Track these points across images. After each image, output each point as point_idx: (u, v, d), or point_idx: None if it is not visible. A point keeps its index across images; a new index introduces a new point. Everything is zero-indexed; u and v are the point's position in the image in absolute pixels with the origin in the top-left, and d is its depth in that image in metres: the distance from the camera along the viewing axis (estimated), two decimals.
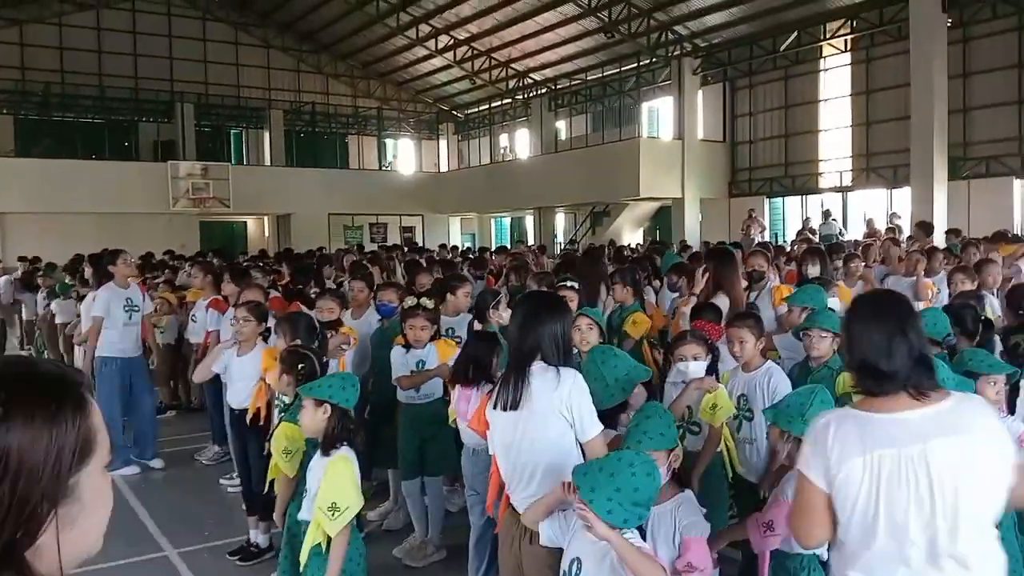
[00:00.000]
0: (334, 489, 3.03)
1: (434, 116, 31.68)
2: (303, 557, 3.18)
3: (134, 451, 7.26)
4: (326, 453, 3.16)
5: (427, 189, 28.78)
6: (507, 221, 30.92)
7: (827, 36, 19.12)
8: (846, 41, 19.22)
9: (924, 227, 12.39)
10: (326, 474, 3.08)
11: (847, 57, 19.75)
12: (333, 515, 2.99)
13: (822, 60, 20.22)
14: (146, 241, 19.19)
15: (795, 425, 2.93)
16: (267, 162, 28.07)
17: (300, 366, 3.91)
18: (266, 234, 28.10)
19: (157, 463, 7.25)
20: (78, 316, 9.50)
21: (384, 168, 30.02)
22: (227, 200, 24.34)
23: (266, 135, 28.62)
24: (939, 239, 14.52)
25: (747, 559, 3.47)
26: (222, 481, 6.65)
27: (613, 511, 2.31)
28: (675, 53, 21.62)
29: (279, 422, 3.99)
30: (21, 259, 15.14)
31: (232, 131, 29.40)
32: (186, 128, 26.15)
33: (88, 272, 8.36)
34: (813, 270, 6.83)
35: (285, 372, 3.94)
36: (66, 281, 12.31)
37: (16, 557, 0.91)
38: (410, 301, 4.99)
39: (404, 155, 31.98)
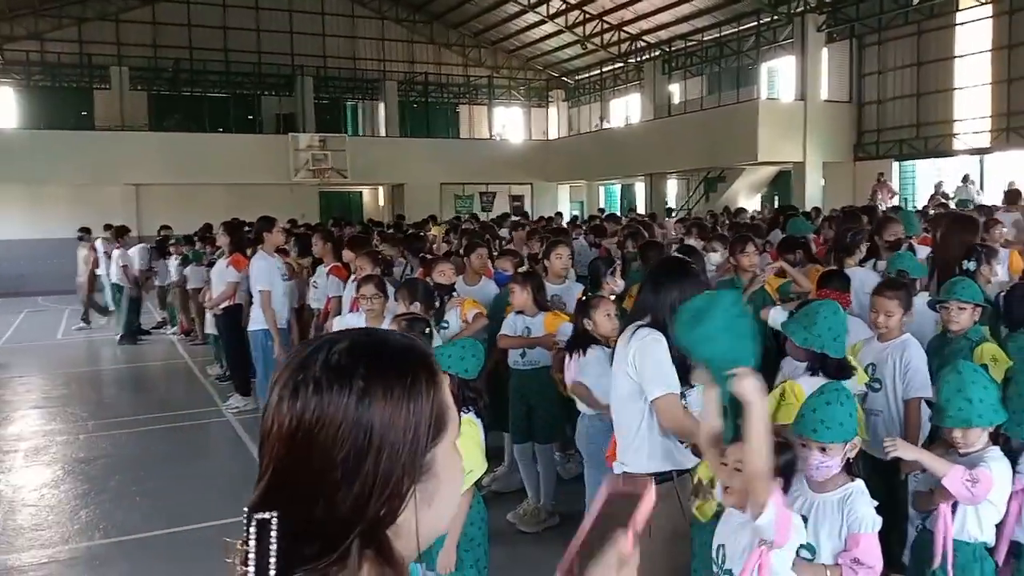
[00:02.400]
0: (464, 452, 3.05)
1: (544, 83, 31.48)
2: None
3: None
4: None
5: (536, 157, 28.68)
6: (616, 189, 30.52)
7: None
8: None
9: None
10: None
11: (987, 9, 18.31)
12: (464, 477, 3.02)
13: (958, 13, 18.82)
14: (269, 211, 19.85)
15: (996, 415, 2.74)
16: (382, 133, 28.64)
17: (407, 321, 3.99)
18: (380, 203, 28.75)
19: None
20: (207, 282, 10.05)
21: (494, 137, 30.05)
22: (345, 171, 25.00)
23: (380, 106, 29.15)
24: None
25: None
26: None
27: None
28: (798, 10, 20.58)
29: None
30: (164, 227, 16.00)
31: (348, 103, 30.10)
32: (305, 101, 26.93)
33: (222, 239, 8.73)
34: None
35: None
36: (197, 249, 12.99)
37: (378, 536, 0.90)
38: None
39: (513, 123, 31.95)
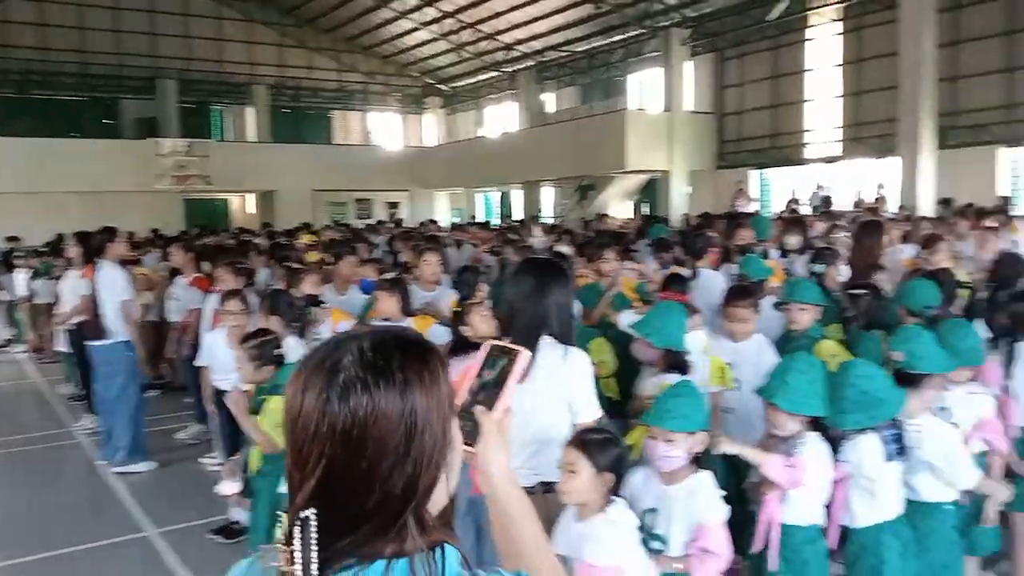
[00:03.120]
0: None
1: (420, 90, 31.36)
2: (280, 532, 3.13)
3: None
4: None
5: (414, 164, 28.53)
6: (495, 196, 30.75)
7: (816, 5, 18.94)
8: (836, 10, 19.04)
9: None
10: None
11: (836, 27, 19.59)
12: None
13: (809, 30, 20.05)
14: (130, 220, 18.95)
15: (810, 406, 2.85)
16: (251, 138, 27.76)
17: (254, 345, 3.86)
18: (249, 211, 27.86)
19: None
20: (58, 296, 9.41)
21: (369, 144, 29.66)
22: (210, 178, 24.05)
23: (249, 111, 28.27)
24: (928, 209, 14.51)
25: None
26: (202, 460, 6.59)
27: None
28: (663, 24, 21.40)
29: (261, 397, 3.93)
30: (11, 239, 14.89)
31: (215, 107, 29.04)
32: (168, 105, 25.78)
33: (74, 251, 8.18)
34: (793, 241, 6.79)
35: (251, 361, 3.87)
36: (47, 262, 12.17)
37: (424, 507, 1.01)
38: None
39: (390, 130, 31.68)
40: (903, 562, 2.92)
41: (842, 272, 5.42)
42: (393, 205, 28.79)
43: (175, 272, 8.22)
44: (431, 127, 31.84)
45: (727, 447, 2.85)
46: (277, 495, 3.59)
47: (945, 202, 13.45)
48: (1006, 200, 13.63)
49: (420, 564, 0.97)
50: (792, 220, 7.22)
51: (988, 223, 8.32)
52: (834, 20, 19.45)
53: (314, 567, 0.93)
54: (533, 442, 2.85)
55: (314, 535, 0.94)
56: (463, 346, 4.08)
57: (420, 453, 0.99)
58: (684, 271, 5.45)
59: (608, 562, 2.36)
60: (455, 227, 13.66)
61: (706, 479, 2.67)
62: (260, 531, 3.70)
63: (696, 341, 3.87)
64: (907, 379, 2.99)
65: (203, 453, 6.69)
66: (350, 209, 27.89)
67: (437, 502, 1.04)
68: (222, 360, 5.09)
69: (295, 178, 25.16)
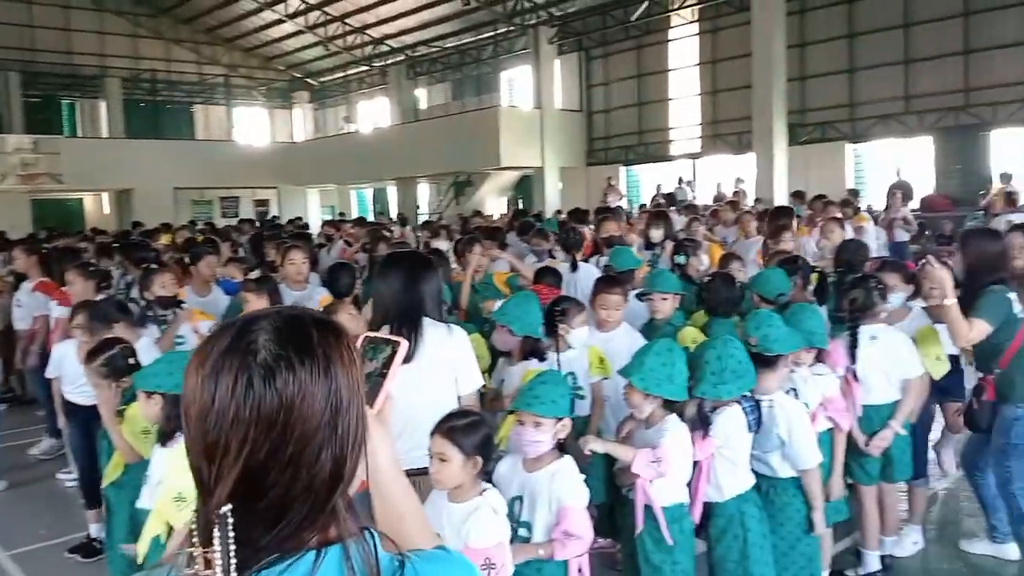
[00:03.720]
0: (179, 479, 2.85)
1: (287, 84, 30.49)
2: (142, 548, 2.99)
3: None
4: (164, 443, 2.96)
5: (282, 160, 27.69)
6: (368, 193, 30.32)
7: (675, 6, 19.69)
8: (693, 12, 19.85)
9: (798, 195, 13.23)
10: (168, 464, 2.89)
11: (694, 27, 20.42)
12: (180, 506, 2.83)
13: (671, 30, 20.82)
14: None
15: (664, 388, 2.96)
16: (104, 134, 26.21)
17: (128, 361, 3.66)
18: (105, 211, 26.32)
19: None
20: None
21: (233, 140, 28.53)
22: (60, 176, 22.55)
23: (102, 105, 26.68)
24: (782, 202, 15.37)
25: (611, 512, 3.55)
26: (59, 475, 6.18)
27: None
28: (531, 22, 21.69)
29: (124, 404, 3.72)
30: None
31: (64, 101, 27.25)
32: (12, 99, 23.99)
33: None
34: (657, 233, 7.04)
35: (99, 375, 3.64)
36: None
37: (346, 494, 0.97)
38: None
39: (256, 125, 30.66)
40: (762, 528, 3.13)
41: (703, 262, 5.66)
42: (261, 203, 27.89)
43: (20, 277, 7.66)
44: (299, 122, 31.02)
45: (596, 446, 2.93)
46: (136, 508, 3.43)
47: (798, 195, 14.25)
48: (854, 193, 14.59)
49: (356, 549, 0.93)
50: (656, 214, 7.46)
51: (834, 214, 8.89)
52: (692, 21, 20.27)
53: (232, 569, 0.87)
54: (428, 420, 2.88)
55: (231, 533, 0.87)
56: None
57: (346, 432, 0.95)
58: (560, 264, 5.55)
59: (490, 543, 2.39)
60: (327, 223, 13.39)
61: (568, 463, 2.74)
62: (118, 547, 3.51)
63: (581, 335, 3.95)
64: (761, 361, 3.17)
65: (58, 469, 6.28)
66: (215, 208, 26.80)
67: (354, 485, 1.01)
68: (73, 371, 4.79)
69: (154, 175, 23.94)
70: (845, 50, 17.72)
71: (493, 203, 23.77)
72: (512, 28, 22.31)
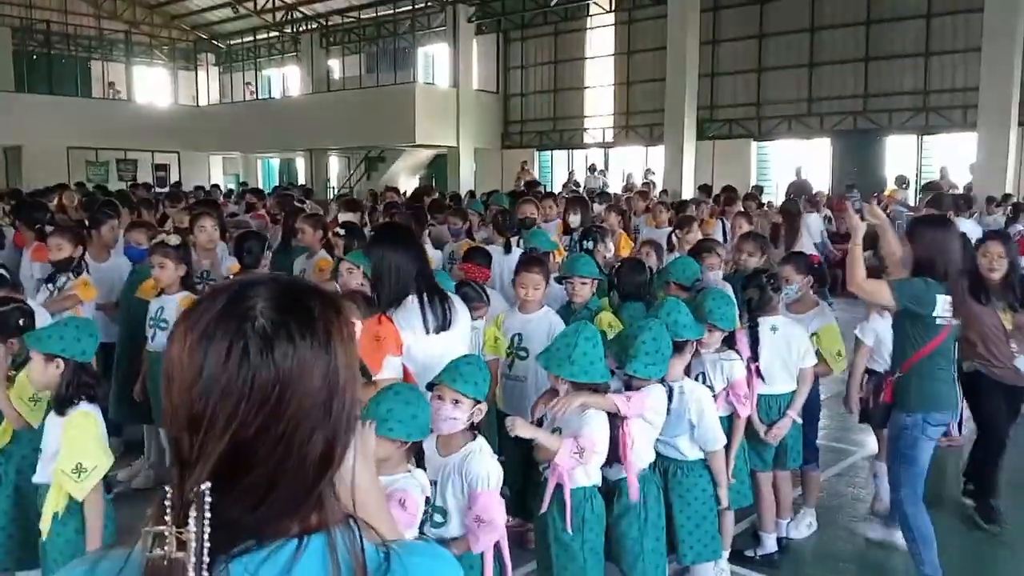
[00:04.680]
0: (77, 449, 2.73)
1: (191, 45, 29.24)
2: (44, 525, 2.84)
3: None
4: (61, 412, 2.81)
5: (184, 124, 26.51)
6: (275, 163, 29.47)
7: None
8: (611, 1, 20.06)
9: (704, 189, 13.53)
10: (65, 433, 2.75)
11: (611, 17, 20.65)
12: (79, 476, 2.69)
13: (589, 19, 20.99)
14: None
15: (564, 369, 2.99)
16: None
17: (18, 321, 3.45)
18: None
19: None
20: None
21: (118, 96, 26.98)
22: None
23: None
24: (688, 194, 15.79)
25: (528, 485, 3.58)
26: None
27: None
28: None
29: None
30: None
31: None
32: None
33: None
34: (575, 219, 7.14)
35: (3, 338, 3.44)
36: None
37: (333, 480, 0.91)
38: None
39: (158, 85, 29.28)
40: (659, 507, 3.27)
41: (610, 248, 5.77)
42: (161, 167, 26.67)
43: None
44: (204, 86, 29.79)
45: (521, 431, 2.94)
46: (22, 481, 3.25)
47: (704, 188, 14.67)
48: (758, 189, 15.13)
49: (341, 538, 0.87)
50: (574, 200, 7.54)
51: (739, 208, 9.18)
52: (609, 11, 20.48)
53: (206, 552, 0.80)
54: None
55: (207, 514, 0.80)
56: None
57: (340, 414, 0.89)
58: (491, 248, 5.53)
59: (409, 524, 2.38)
60: (249, 191, 12.96)
61: (481, 445, 2.74)
62: (2, 521, 3.32)
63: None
64: (673, 345, 3.26)
65: None
66: (111, 170, 25.47)
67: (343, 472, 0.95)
68: None
69: (46, 133, 22.56)
70: (754, 50, 18.27)
71: (405, 180, 23.51)
72: (430, 3, 22.02)
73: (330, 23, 24.90)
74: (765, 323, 3.97)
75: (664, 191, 15.87)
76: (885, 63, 16.57)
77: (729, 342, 3.80)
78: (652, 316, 3.43)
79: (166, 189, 17.67)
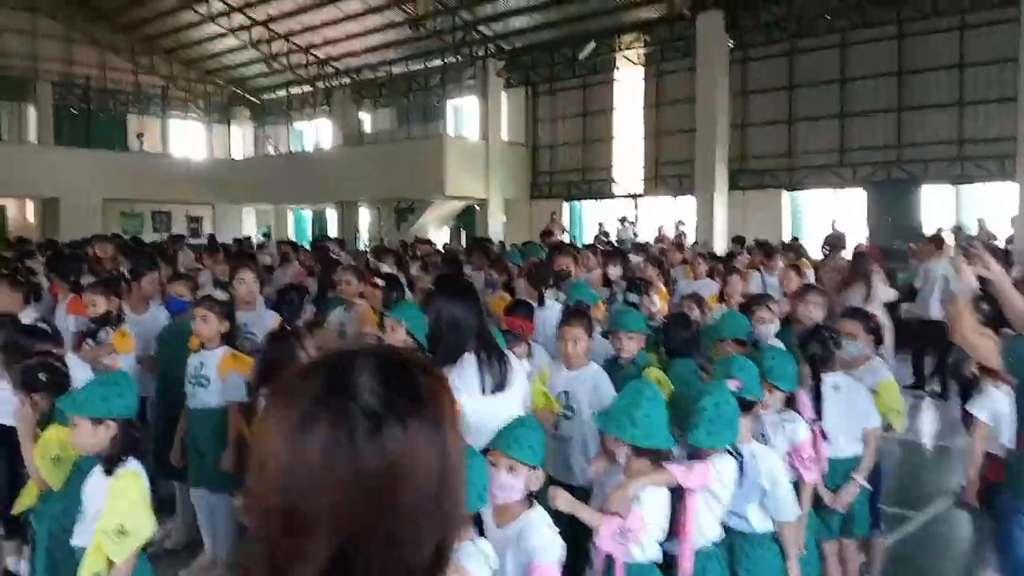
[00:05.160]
0: (122, 510, 2.62)
1: (226, 99, 29.88)
2: None
3: None
4: (110, 471, 2.70)
5: (218, 177, 27.01)
6: (307, 214, 29.79)
7: (621, 48, 20.03)
8: (639, 54, 20.22)
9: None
10: (112, 493, 2.63)
11: (640, 71, 20.80)
12: (119, 539, 2.58)
13: (616, 71, 21.16)
14: None
15: (626, 431, 2.83)
16: (32, 139, 25.17)
17: (43, 376, 3.36)
18: (29, 220, 25.19)
19: None
20: None
21: (136, 149, 27.51)
22: None
23: (31, 110, 25.65)
24: (721, 246, 15.65)
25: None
26: None
27: None
28: (479, 54, 21.79)
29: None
30: None
31: None
32: None
33: None
34: (615, 271, 7.03)
35: (31, 391, 3.36)
36: None
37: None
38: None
39: (193, 139, 29.88)
40: None
41: (655, 302, 5.62)
42: (195, 219, 27.10)
43: None
44: (238, 139, 30.36)
45: (562, 505, 2.79)
46: (54, 544, 3.14)
47: (738, 240, 14.51)
48: (796, 240, 14.97)
49: None
50: (613, 252, 7.44)
51: (791, 262, 8.96)
52: (637, 64, 20.64)
53: None
54: None
55: None
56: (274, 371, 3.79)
57: (452, 510, 0.78)
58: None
59: None
60: (283, 243, 13.09)
61: (539, 515, 2.58)
62: None
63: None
64: (741, 405, 3.09)
65: None
66: (146, 222, 25.90)
67: None
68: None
69: (83, 185, 23.06)
70: (785, 100, 18.25)
71: (435, 231, 23.60)
72: (460, 58, 22.35)
73: (361, 77, 25.35)
74: (827, 381, 3.79)
75: (696, 242, 15.74)
76: (919, 113, 16.45)
77: (789, 402, 3.63)
78: (692, 374, 3.27)
79: (200, 240, 17.84)
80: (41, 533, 3.33)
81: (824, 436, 3.69)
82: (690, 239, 16.62)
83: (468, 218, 23.71)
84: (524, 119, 23.05)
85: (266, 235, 23.00)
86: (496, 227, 21.44)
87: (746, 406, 3.12)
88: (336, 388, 0.75)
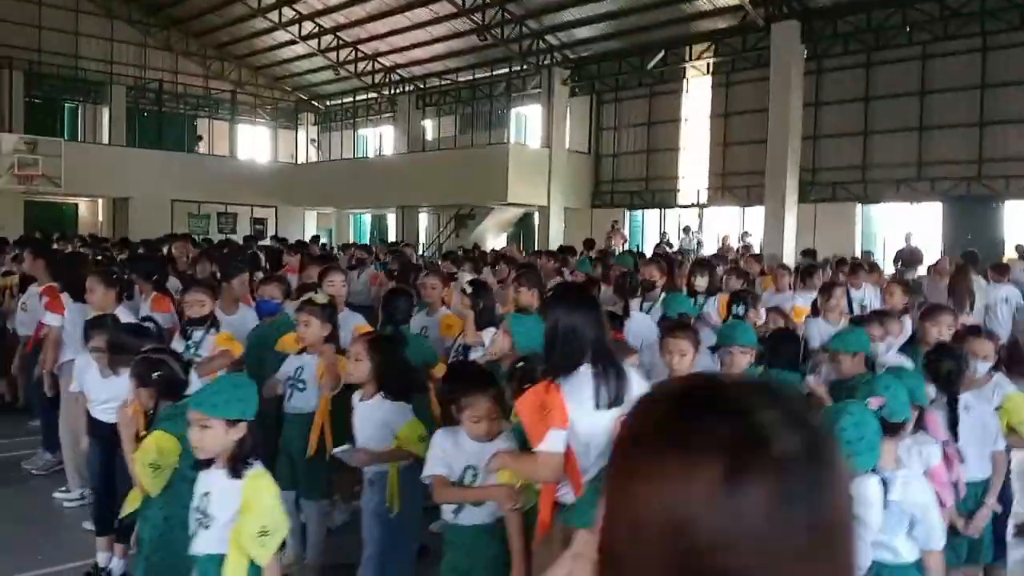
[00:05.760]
0: (263, 511, 2.60)
1: (293, 105, 30.37)
2: None
3: None
4: (239, 475, 2.64)
5: (282, 180, 27.46)
6: (367, 218, 30.07)
7: (691, 58, 19.76)
8: (708, 64, 19.93)
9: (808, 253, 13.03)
10: (247, 496, 2.60)
11: (709, 80, 20.50)
12: (264, 540, 2.55)
13: (685, 81, 20.89)
14: None
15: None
16: (105, 140, 25.89)
17: (156, 374, 3.34)
18: (99, 218, 25.90)
19: None
20: None
21: (233, 156, 28.19)
22: (58, 179, 22.17)
23: (105, 111, 26.40)
24: (790, 258, 15.28)
25: None
26: (56, 495, 5.77)
27: None
28: (545, 62, 21.72)
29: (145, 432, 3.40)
30: None
31: (67, 104, 26.87)
32: (14, 98, 23.67)
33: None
34: (701, 282, 6.82)
35: (140, 386, 3.35)
36: None
37: None
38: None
39: (259, 143, 30.44)
40: None
41: (761, 315, 5.43)
42: (259, 221, 27.54)
43: (26, 279, 7.31)
44: (303, 143, 30.83)
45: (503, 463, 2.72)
46: (152, 551, 3.11)
47: (809, 253, 14.16)
48: (870, 255, 14.54)
49: None
50: (700, 262, 7.24)
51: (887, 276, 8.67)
52: (706, 74, 20.35)
53: None
54: None
55: None
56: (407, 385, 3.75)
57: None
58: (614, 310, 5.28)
59: None
60: (357, 247, 13.14)
61: None
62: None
63: None
64: (884, 428, 2.90)
65: (54, 487, 5.87)
66: (212, 222, 26.41)
67: None
68: (96, 386, 4.43)
69: (152, 185, 23.64)
70: (860, 112, 17.79)
71: (493, 238, 23.59)
72: (526, 67, 22.32)
73: (427, 85, 25.50)
74: (960, 402, 3.58)
75: (759, 254, 15.37)
76: (1000, 128, 15.87)
77: (920, 422, 3.42)
78: (860, 394, 3.08)
79: (267, 241, 18.06)
80: (144, 540, 3.30)
81: (961, 459, 3.47)
82: (755, 251, 16.26)
83: (527, 225, 23.65)
84: (588, 127, 22.91)
85: (382, 241, 22.89)
86: (556, 234, 21.30)
87: (889, 428, 2.93)
88: (749, 433, 0.63)
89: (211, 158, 27.25)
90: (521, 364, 3.40)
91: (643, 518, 0.63)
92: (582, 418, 2.90)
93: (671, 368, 3.96)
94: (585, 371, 2.94)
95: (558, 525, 2.96)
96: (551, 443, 2.83)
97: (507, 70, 22.94)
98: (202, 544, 2.64)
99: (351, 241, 24.58)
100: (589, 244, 15.78)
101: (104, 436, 4.29)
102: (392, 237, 25.08)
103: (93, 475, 4.61)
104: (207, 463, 2.70)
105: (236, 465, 2.63)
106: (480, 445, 3.15)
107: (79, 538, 4.91)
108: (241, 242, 15.76)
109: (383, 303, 4.96)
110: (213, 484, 2.65)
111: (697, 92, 20.99)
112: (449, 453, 3.21)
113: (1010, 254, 14.67)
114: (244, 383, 2.86)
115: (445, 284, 5.85)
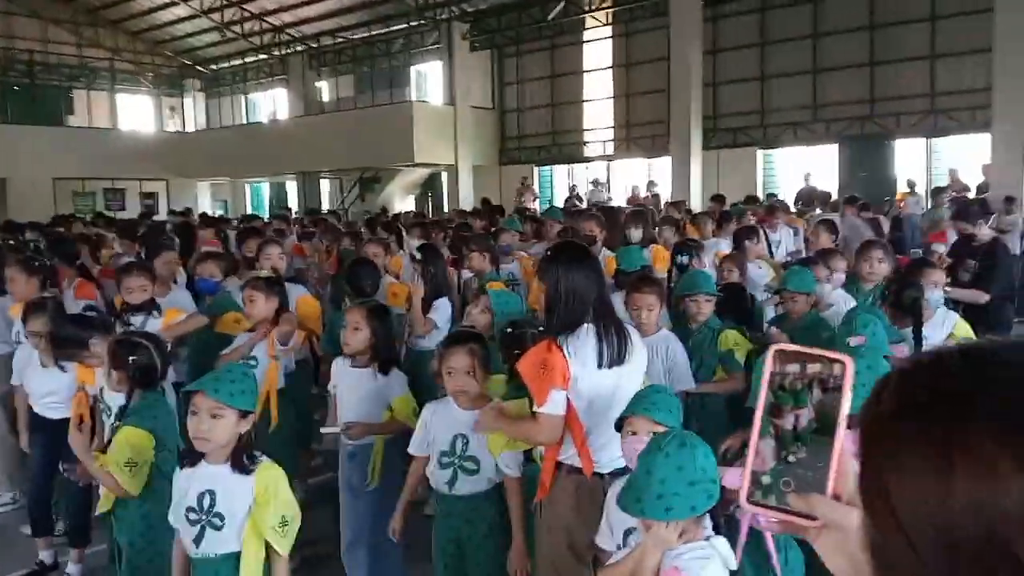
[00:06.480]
0: (280, 502, 2.49)
1: (177, 71, 28.81)
2: None
3: None
4: (247, 470, 2.48)
5: (171, 151, 26.10)
6: (265, 187, 29.03)
7: (591, 8, 19.71)
8: (608, 15, 19.93)
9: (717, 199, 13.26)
10: (263, 488, 2.46)
11: (608, 30, 20.52)
12: (285, 531, 2.47)
13: (585, 32, 20.85)
14: None
15: None
16: None
17: (132, 358, 3.12)
18: None
19: None
20: None
21: (115, 129, 26.59)
22: None
23: None
24: (697, 205, 15.63)
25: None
26: None
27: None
28: (443, 16, 21.24)
29: (112, 429, 3.16)
30: None
31: None
32: None
33: None
34: (636, 234, 6.85)
35: (115, 368, 3.13)
36: None
37: None
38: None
39: (143, 113, 28.81)
40: None
41: (705, 263, 5.49)
42: (149, 195, 26.19)
43: None
44: (190, 112, 29.36)
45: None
46: (133, 553, 2.92)
47: (718, 199, 14.47)
48: (774, 196, 14.95)
49: None
50: (635, 213, 7.25)
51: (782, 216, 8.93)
52: (606, 24, 20.36)
53: None
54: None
55: None
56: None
57: None
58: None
59: None
60: (276, 217, 12.68)
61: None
62: None
63: None
64: None
65: None
66: (98, 200, 24.93)
67: None
68: (38, 381, 4.10)
69: (30, 164, 22.07)
70: (756, 58, 18.20)
71: (400, 201, 23.20)
72: (423, 22, 21.79)
73: (320, 44, 24.60)
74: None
75: (681, 201, 15.65)
76: (891, 67, 16.53)
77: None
78: (842, 333, 3.13)
79: (160, 217, 17.17)
80: (122, 543, 3.09)
81: None
82: (664, 199, 16.54)
83: (435, 186, 23.33)
84: (491, 83, 22.64)
85: (286, 209, 21.90)
86: (466, 193, 21.10)
87: None
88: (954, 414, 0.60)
89: (92, 131, 25.57)
90: (509, 330, 3.31)
91: (948, 519, 0.59)
92: (585, 377, 2.85)
93: (639, 323, 3.94)
94: (588, 330, 2.88)
95: (563, 485, 2.92)
96: (551, 405, 2.77)
97: (404, 26, 22.34)
98: (214, 544, 2.46)
99: (248, 212, 23.73)
100: (488, 204, 15.33)
101: (46, 432, 3.99)
102: (294, 205, 24.29)
103: (37, 474, 4.28)
104: (197, 458, 2.52)
105: (243, 460, 2.46)
106: (470, 414, 3.07)
107: (20, 541, 4.61)
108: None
109: (348, 274, 4.75)
110: (216, 482, 2.47)
111: (598, 43, 21.00)
112: (438, 425, 3.12)
113: (902, 189, 15.46)
114: (251, 375, 2.71)
115: (386, 251, 5.67)
